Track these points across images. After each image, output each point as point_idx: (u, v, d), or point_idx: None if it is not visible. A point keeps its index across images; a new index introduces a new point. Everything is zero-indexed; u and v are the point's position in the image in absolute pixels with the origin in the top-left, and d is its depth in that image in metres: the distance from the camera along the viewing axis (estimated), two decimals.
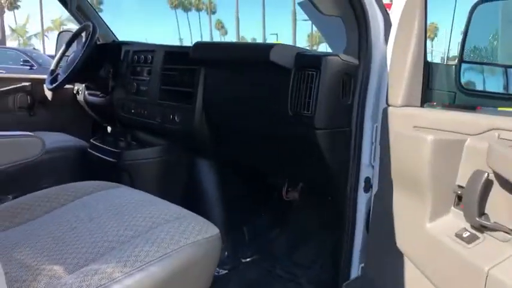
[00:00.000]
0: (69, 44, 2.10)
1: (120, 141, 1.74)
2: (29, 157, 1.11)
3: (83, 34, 2.03)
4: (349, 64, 1.09)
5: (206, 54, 1.41)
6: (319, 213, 1.61)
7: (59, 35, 2.40)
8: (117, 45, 1.95)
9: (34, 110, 2.24)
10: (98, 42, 2.10)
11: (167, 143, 1.62)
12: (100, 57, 1.95)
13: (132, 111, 1.74)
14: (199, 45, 1.45)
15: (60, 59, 2.10)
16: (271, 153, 1.37)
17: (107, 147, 1.63)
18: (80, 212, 1.01)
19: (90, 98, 2.11)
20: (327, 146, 1.10)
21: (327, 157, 1.12)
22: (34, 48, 10.88)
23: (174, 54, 1.58)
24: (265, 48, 1.12)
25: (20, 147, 1.11)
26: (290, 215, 1.70)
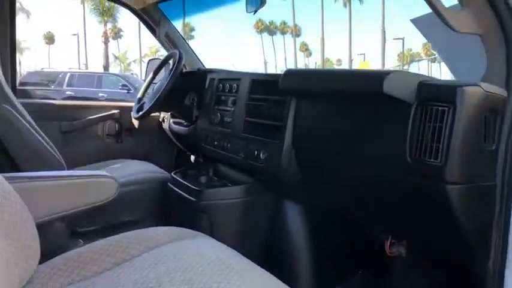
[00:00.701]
0: (156, 72, 2.10)
1: (202, 176, 1.64)
2: (102, 199, 1.02)
3: (171, 61, 2.02)
4: (495, 97, 0.82)
5: (298, 84, 1.23)
6: (434, 276, 1.30)
7: (148, 63, 2.44)
8: (202, 73, 1.88)
9: (121, 138, 2.27)
10: (184, 70, 2.07)
11: (250, 182, 1.46)
12: (185, 85, 1.90)
13: (215, 143, 1.62)
14: (291, 73, 1.27)
15: (148, 87, 2.11)
16: (375, 202, 1.12)
17: (187, 184, 1.52)
18: (149, 271, 0.88)
19: (175, 127, 2.07)
20: (462, 205, 0.83)
21: (461, 219, 0.84)
22: (132, 74, 11.94)
23: (262, 83, 1.44)
24: (377, 78, 0.90)
25: (94, 188, 1.03)
26: (394, 274, 1.41)
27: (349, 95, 1.05)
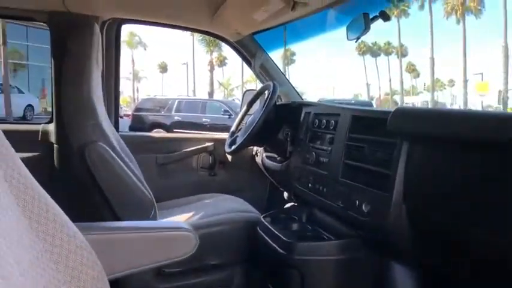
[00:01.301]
0: (250, 104, 2.04)
1: (294, 223, 1.49)
2: (179, 255, 0.93)
3: (266, 94, 1.94)
4: None
5: (412, 126, 1.01)
6: None
7: (244, 94, 2.41)
8: (297, 106, 1.75)
9: (215, 170, 2.25)
10: (279, 102, 1.97)
11: (350, 236, 1.26)
12: (279, 118, 1.79)
13: (309, 185, 1.46)
14: (402, 113, 1.06)
15: (241, 119, 2.06)
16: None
17: (277, 233, 1.37)
18: None
19: (268, 162, 1.96)
20: None
21: None
22: (233, 99, 12.48)
23: (364, 121, 1.24)
24: None
25: (172, 242, 0.94)
26: None
27: (479, 143, 0.81)
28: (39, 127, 1.95)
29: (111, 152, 1.44)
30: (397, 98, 40.06)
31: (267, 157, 2.00)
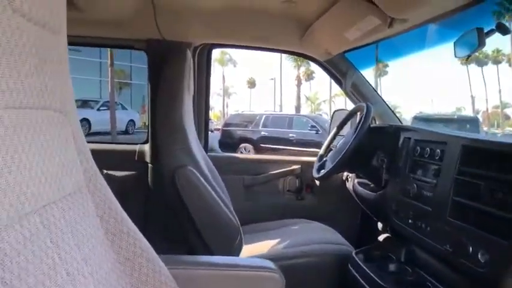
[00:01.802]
0: (340, 127, 1.94)
1: (390, 263, 1.34)
2: None
3: (357, 115, 1.83)
4: None
5: None
6: None
7: (333, 114, 2.31)
8: (395, 130, 1.61)
9: (302, 194, 2.18)
10: (373, 125, 1.84)
11: (462, 285, 1.09)
12: (373, 143, 1.66)
13: (409, 221, 1.31)
14: None
15: (330, 142, 1.97)
16: None
17: (371, 274, 1.25)
18: None
19: (360, 189, 1.84)
20: None
21: None
22: (320, 114, 12.30)
23: (479, 152, 1.08)
24: None
25: (257, 283, 0.89)
26: None
27: None
28: (136, 147, 2.08)
29: (200, 177, 1.46)
30: (508, 111, 35.89)
31: (359, 183, 1.88)
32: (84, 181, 0.72)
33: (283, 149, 10.45)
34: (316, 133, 10.44)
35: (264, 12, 1.65)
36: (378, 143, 1.67)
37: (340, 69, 2.00)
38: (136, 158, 2.05)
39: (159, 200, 1.76)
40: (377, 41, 1.73)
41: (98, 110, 14.26)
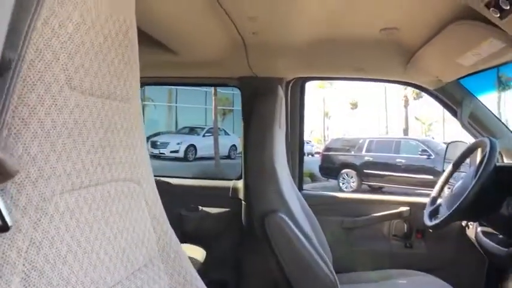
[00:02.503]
0: (457, 165, 1.69)
1: None
2: None
3: (478, 152, 1.57)
4: None
5: None
6: None
7: (447, 146, 2.05)
8: None
9: (411, 241, 1.94)
10: (499, 163, 1.56)
11: None
12: (501, 186, 1.40)
13: None
14: None
15: (445, 183, 1.72)
16: None
17: None
18: None
19: (485, 240, 1.56)
20: None
21: None
22: (432, 137, 11.32)
23: None
24: None
25: None
26: None
27: None
28: (230, 183, 2.09)
29: (291, 224, 1.37)
30: None
31: (484, 233, 1.60)
32: (158, 251, 0.68)
33: (391, 175, 9.84)
34: (428, 158, 9.59)
35: (362, 42, 1.53)
36: (507, 186, 1.40)
37: (454, 98, 1.76)
38: (230, 195, 2.05)
39: (251, 239, 1.72)
40: (502, 64, 1.48)
41: (203, 136, 15.20)
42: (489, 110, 1.75)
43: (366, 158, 10.77)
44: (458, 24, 1.18)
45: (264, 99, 1.63)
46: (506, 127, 1.73)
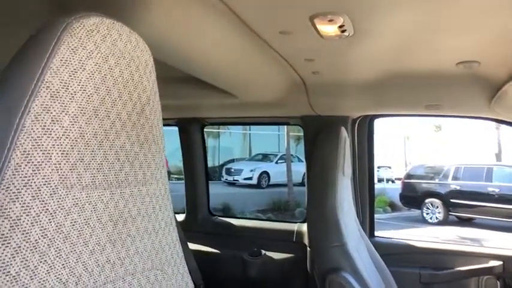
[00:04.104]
0: None
1: None
2: None
3: None
4: None
5: None
6: None
7: None
8: None
9: None
10: None
11: None
12: None
13: None
14: None
15: None
16: None
17: None
18: None
19: None
20: None
21: None
22: None
23: None
24: None
25: None
26: None
27: None
28: (295, 226, 2.00)
29: (355, 284, 1.25)
30: None
31: None
32: None
33: (482, 205, 8.96)
34: None
35: (436, 77, 1.38)
36: None
37: None
38: (294, 239, 1.96)
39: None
40: None
41: (276, 163, 15.23)
42: None
43: (453, 187, 9.96)
44: None
45: (326, 141, 1.56)
46: None
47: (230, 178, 13.55)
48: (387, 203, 11.23)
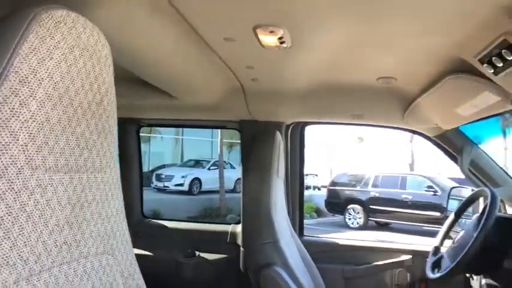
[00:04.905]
0: (458, 215, 1.65)
1: None
2: None
3: (480, 202, 1.54)
4: None
5: None
6: None
7: (450, 192, 2.01)
8: None
9: None
10: (501, 214, 1.52)
11: None
12: (504, 238, 1.36)
13: None
14: None
15: (447, 233, 1.68)
16: None
17: None
18: None
19: None
20: None
21: None
22: (439, 173, 11.19)
23: None
24: None
25: None
26: None
27: None
28: (229, 228, 2.05)
29: (288, 278, 1.34)
30: None
31: (489, 286, 1.53)
32: None
33: (397, 211, 9.68)
34: (434, 195, 9.44)
35: (360, 89, 1.54)
36: (510, 238, 1.36)
37: (454, 145, 1.74)
38: (228, 240, 2.01)
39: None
40: (501, 114, 1.47)
41: (209, 169, 15.13)
42: (491, 158, 1.72)
43: (372, 194, 10.63)
44: (455, 77, 1.19)
45: (262, 144, 1.64)
46: (509, 176, 1.70)
47: (160, 184, 13.17)
48: (313, 209, 11.63)
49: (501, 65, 0.96)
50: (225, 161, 15.62)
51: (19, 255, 0.44)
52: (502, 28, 0.86)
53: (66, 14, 0.49)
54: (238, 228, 1.99)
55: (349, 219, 10.52)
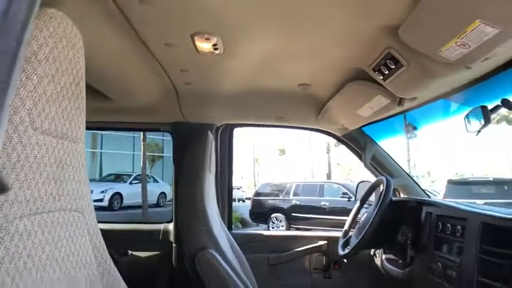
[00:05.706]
0: (363, 201, 1.94)
1: None
2: None
3: (381, 188, 1.84)
4: None
5: None
6: None
7: (358, 186, 2.32)
8: (416, 205, 1.60)
9: (329, 272, 2.13)
10: (395, 198, 1.84)
11: None
12: (396, 217, 1.66)
13: None
14: None
15: (355, 217, 1.96)
16: None
17: None
18: None
19: (388, 266, 1.79)
20: None
21: None
22: (351, 181, 12.13)
23: (499, 230, 1.06)
24: None
25: None
26: None
27: None
28: (161, 226, 2.14)
29: (221, 260, 1.47)
30: None
31: (388, 260, 1.83)
32: (98, 276, 0.77)
33: (316, 218, 10.18)
34: (348, 200, 10.17)
35: (282, 94, 1.74)
36: (402, 217, 1.66)
37: (358, 143, 2.05)
38: (160, 238, 2.09)
39: (183, 281, 1.77)
40: (394, 116, 1.79)
41: (130, 183, 14.59)
42: (388, 154, 2.06)
43: (294, 202, 11.06)
44: (355, 83, 1.46)
45: (195, 144, 1.75)
46: (401, 168, 2.05)
47: None
48: (238, 219, 11.74)
49: (387, 72, 1.22)
50: (147, 175, 15.17)
51: (24, 195, 0.56)
52: (385, 43, 1.11)
53: (56, 11, 0.63)
54: (170, 227, 2.09)
55: (273, 227, 10.79)
